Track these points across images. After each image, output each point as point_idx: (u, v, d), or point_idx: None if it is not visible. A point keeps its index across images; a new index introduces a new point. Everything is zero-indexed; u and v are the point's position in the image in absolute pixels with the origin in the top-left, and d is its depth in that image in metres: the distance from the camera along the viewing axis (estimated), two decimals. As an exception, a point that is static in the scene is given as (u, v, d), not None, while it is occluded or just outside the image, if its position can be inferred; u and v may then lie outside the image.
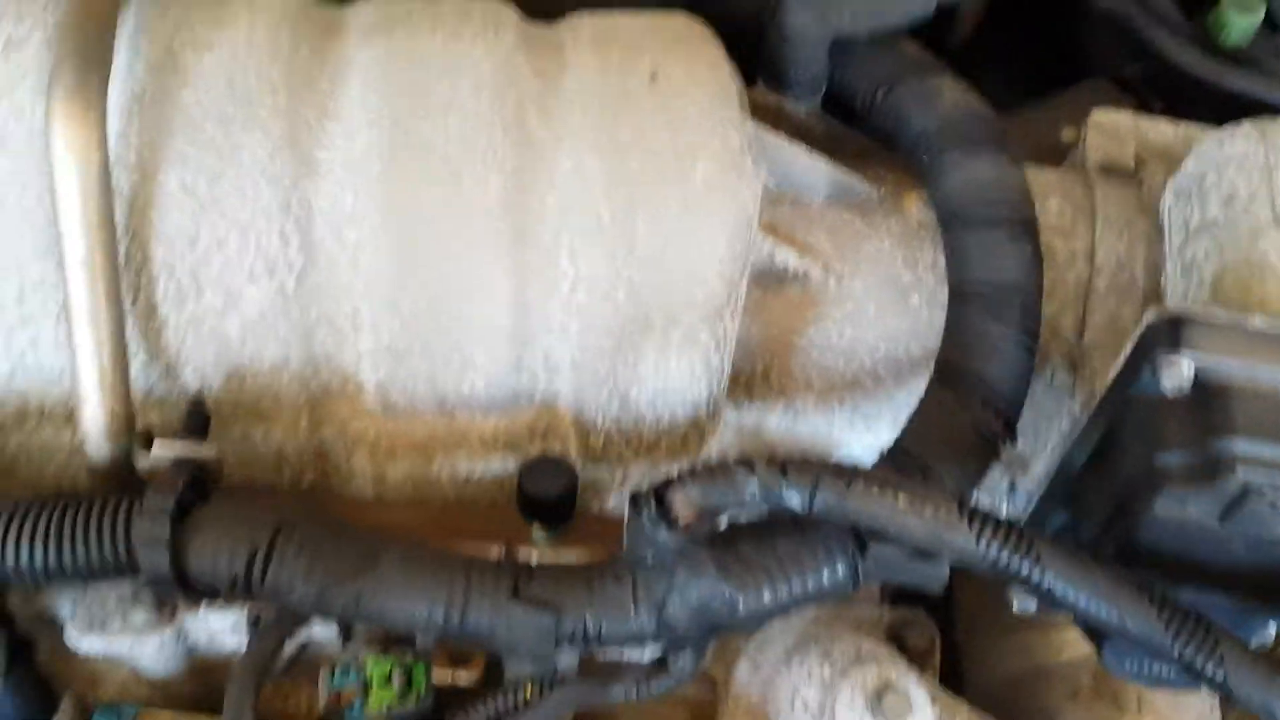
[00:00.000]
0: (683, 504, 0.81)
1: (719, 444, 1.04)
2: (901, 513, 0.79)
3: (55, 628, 0.94)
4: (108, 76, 0.88)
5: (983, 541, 0.79)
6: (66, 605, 0.93)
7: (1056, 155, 1.15)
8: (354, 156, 0.92)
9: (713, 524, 0.83)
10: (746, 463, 0.81)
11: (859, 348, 1.03)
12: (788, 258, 1.00)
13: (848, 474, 0.80)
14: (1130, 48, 1.23)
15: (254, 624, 0.92)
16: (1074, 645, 1.13)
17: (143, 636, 0.92)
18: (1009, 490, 1.04)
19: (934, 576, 0.82)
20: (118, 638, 0.91)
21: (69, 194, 0.85)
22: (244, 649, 0.91)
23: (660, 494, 0.81)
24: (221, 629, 0.94)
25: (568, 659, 0.88)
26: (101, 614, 0.91)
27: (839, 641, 1.01)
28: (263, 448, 0.97)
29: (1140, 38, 1.20)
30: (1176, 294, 0.93)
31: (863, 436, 1.07)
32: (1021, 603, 0.88)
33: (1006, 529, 0.80)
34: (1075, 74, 1.32)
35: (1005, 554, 0.79)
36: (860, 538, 0.82)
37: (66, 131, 0.85)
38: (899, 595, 1.08)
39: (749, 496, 0.80)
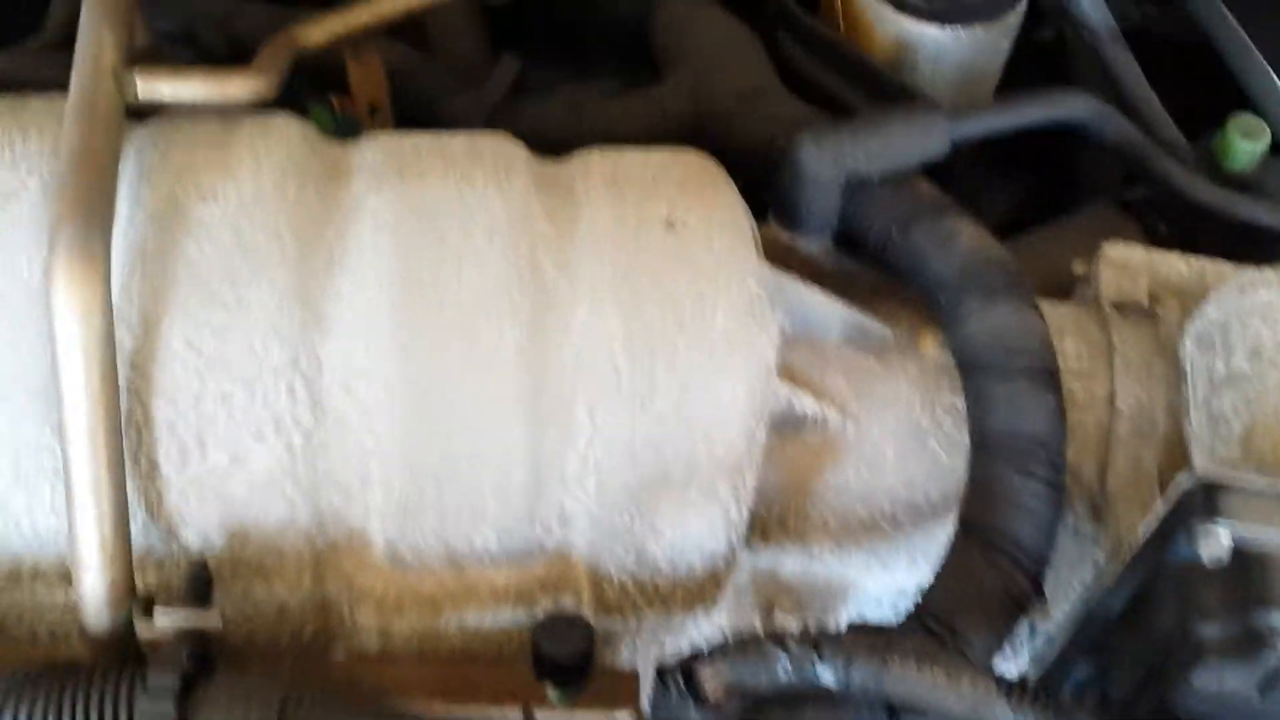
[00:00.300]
0: (712, 680, 0.79)
1: (732, 586, 1.02)
2: (939, 689, 0.78)
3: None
4: (110, 230, 0.85)
5: (1021, 717, 0.77)
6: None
7: (1063, 283, 1.14)
8: (365, 309, 0.90)
9: (742, 700, 0.80)
10: (778, 638, 0.79)
11: (876, 492, 1.01)
12: (805, 404, 0.98)
13: (882, 649, 0.78)
14: (1133, 171, 1.22)
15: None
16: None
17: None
18: (1029, 633, 1.01)
19: (969, 749, 0.80)
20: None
21: (71, 358, 0.82)
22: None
23: (689, 670, 0.79)
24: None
25: (589, 833, 0.86)
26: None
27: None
28: (264, 603, 0.93)
29: (1144, 163, 1.19)
30: (1204, 448, 0.91)
31: (879, 577, 1.05)
32: None
33: (1045, 702, 0.78)
34: (1075, 195, 1.31)
35: None
36: (893, 708, 0.80)
37: (69, 292, 0.82)
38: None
39: (781, 673, 0.78)
